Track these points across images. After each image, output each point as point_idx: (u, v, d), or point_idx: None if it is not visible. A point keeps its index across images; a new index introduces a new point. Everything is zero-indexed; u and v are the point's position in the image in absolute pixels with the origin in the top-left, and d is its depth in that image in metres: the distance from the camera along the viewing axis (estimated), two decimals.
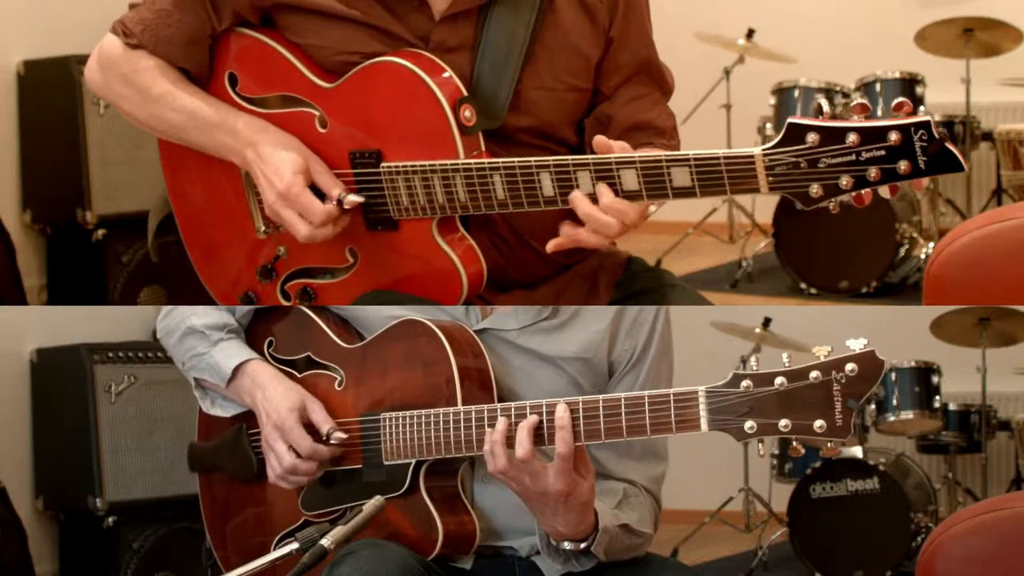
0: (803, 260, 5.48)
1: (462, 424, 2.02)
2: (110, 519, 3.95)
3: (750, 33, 5.76)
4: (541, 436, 1.94)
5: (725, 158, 1.91)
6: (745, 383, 1.84)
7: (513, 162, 2.03)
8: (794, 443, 1.85)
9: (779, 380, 1.82)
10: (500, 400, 2.06)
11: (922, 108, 5.11)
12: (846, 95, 5.54)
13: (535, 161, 2.02)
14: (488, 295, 2.20)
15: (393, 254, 2.15)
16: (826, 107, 1.90)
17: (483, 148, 2.09)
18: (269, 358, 2.22)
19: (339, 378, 2.16)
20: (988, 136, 5.60)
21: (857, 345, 1.80)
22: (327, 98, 2.14)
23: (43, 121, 4.41)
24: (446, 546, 2.05)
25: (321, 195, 2.11)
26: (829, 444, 1.82)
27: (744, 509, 5.44)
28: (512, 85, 2.13)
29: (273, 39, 2.19)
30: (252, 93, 2.20)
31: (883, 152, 1.84)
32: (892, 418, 4.98)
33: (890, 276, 5.45)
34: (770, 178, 1.90)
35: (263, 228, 2.23)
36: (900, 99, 1.85)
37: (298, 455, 2.11)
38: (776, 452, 5.24)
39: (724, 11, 6.29)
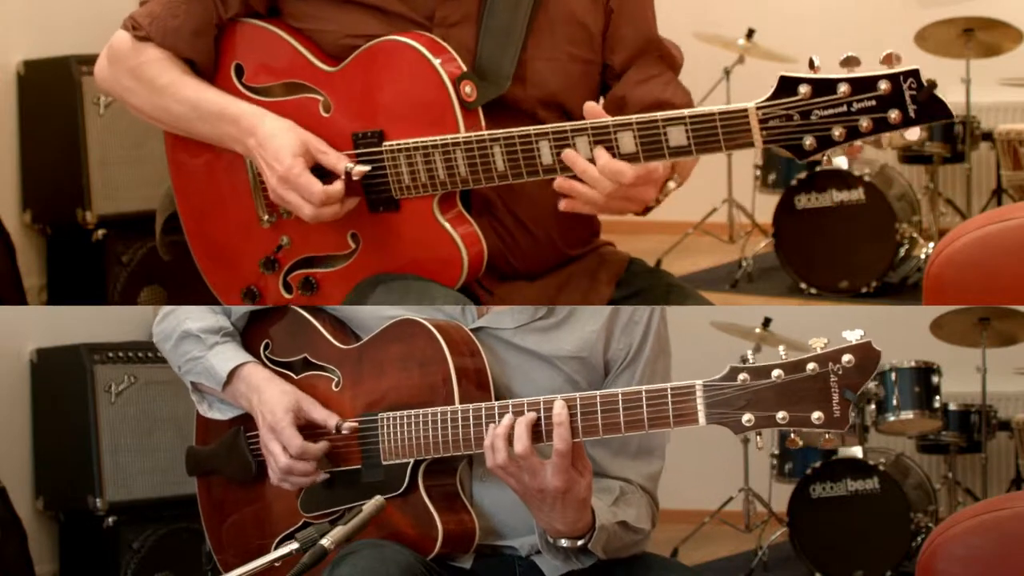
0: (803, 260, 5.48)
1: (460, 422, 2.02)
2: (110, 519, 3.95)
3: (750, 33, 5.76)
4: (539, 433, 1.95)
5: (720, 114, 1.94)
6: (742, 376, 1.84)
7: (512, 132, 2.05)
8: (792, 435, 1.85)
9: (776, 373, 1.83)
10: (497, 399, 2.06)
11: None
12: None
13: (534, 130, 2.05)
14: (489, 284, 2.22)
15: (394, 236, 2.16)
16: (817, 61, 1.91)
17: (483, 125, 2.11)
18: (266, 360, 2.23)
19: (336, 379, 2.16)
20: (988, 136, 5.60)
21: (853, 336, 1.80)
22: (330, 82, 2.17)
23: (43, 121, 4.41)
24: (446, 545, 2.05)
25: (323, 177, 2.13)
26: (827, 435, 1.83)
27: (744, 509, 5.43)
28: (516, 55, 2.16)
29: (278, 27, 2.22)
30: (257, 83, 2.23)
31: (874, 102, 1.87)
32: (892, 418, 4.98)
33: (890, 276, 5.45)
34: (764, 132, 1.92)
35: (266, 217, 2.24)
36: (888, 52, 1.87)
37: (291, 456, 2.12)
38: (776, 452, 5.23)
39: (724, 11, 6.29)
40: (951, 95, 5.60)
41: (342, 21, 2.18)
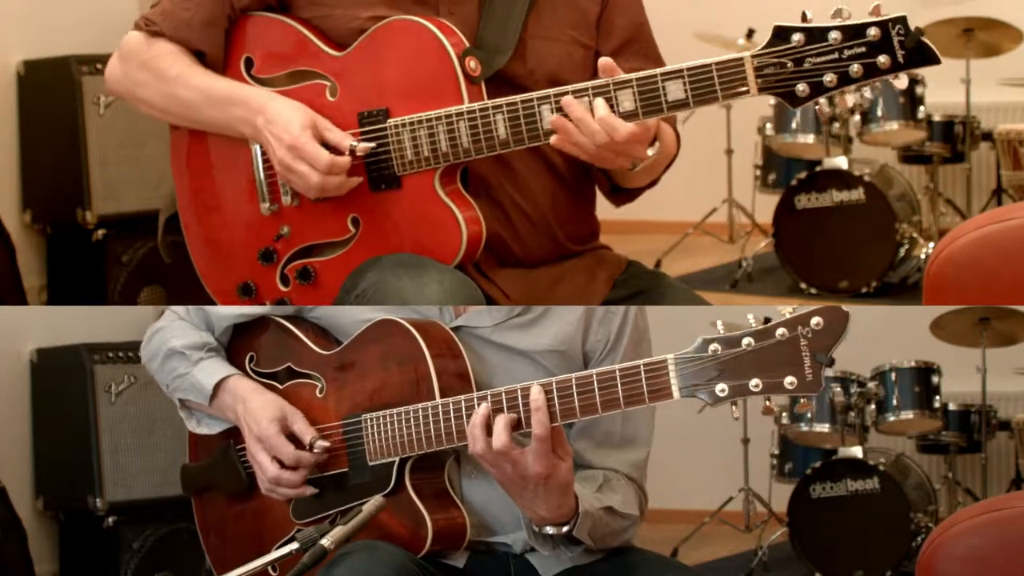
0: (803, 260, 5.48)
1: (441, 416, 2.03)
2: (110, 519, 3.95)
3: (750, 33, 5.76)
4: (518, 421, 1.96)
5: (717, 64, 2.01)
6: (713, 347, 1.85)
7: (515, 99, 2.11)
8: (767, 403, 1.85)
9: (746, 341, 1.84)
10: None
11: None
12: None
13: (536, 95, 2.10)
14: (487, 269, 2.24)
15: (395, 215, 2.19)
16: (810, 14, 1.98)
17: (486, 99, 2.15)
18: (251, 373, 2.24)
19: (320, 385, 2.17)
20: (988, 136, 5.59)
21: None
22: (337, 66, 2.22)
23: (43, 121, 4.41)
24: (436, 542, 2.06)
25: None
26: (802, 399, 1.84)
27: (744, 509, 5.44)
28: (517, 32, 2.21)
29: (286, 17, 2.27)
30: (266, 73, 2.27)
31: (864, 48, 1.95)
32: (892, 418, 4.98)
33: (890, 276, 5.45)
34: (759, 79, 1.99)
35: (268, 204, 2.25)
36: (876, 3, 1.95)
37: (282, 465, 2.13)
38: (776, 452, 5.24)
39: (724, 11, 6.28)
40: (951, 95, 5.60)
41: (349, 5, 2.22)
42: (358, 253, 2.22)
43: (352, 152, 2.17)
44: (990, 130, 5.55)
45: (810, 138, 5.51)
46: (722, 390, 1.85)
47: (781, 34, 1.98)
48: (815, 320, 1.80)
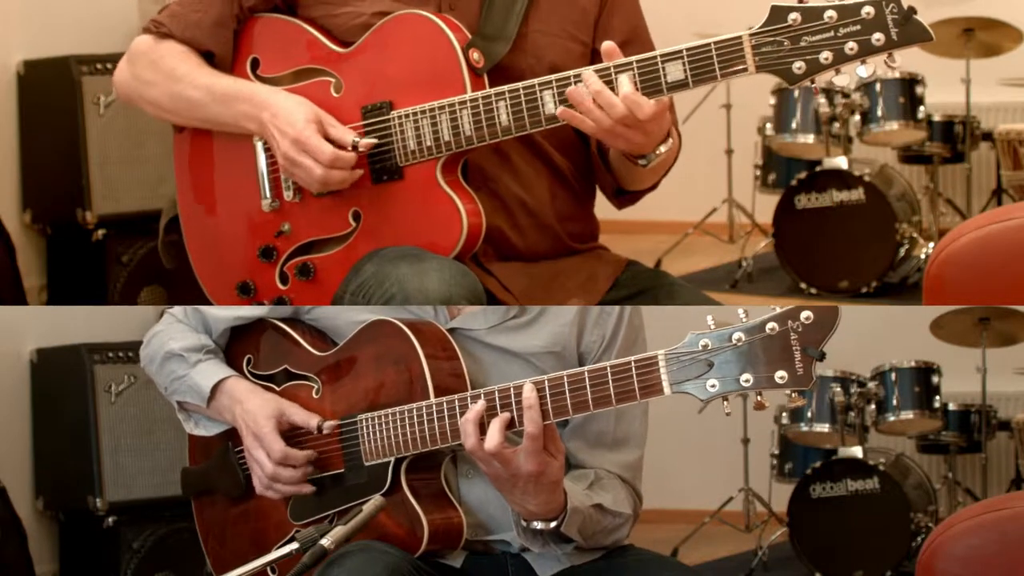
0: (803, 260, 5.48)
1: (435, 416, 2.03)
2: (110, 519, 3.95)
3: None
4: (511, 421, 1.96)
5: (716, 43, 2.06)
6: (703, 342, 1.85)
7: (517, 86, 2.13)
8: (759, 397, 1.85)
9: (736, 336, 1.84)
10: None
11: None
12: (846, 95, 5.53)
13: (538, 81, 2.12)
14: (486, 262, 2.25)
15: (396, 206, 2.21)
16: None
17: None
18: (248, 375, 2.25)
19: (316, 387, 2.18)
20: (988, 136, 5.59)
21: None
22: (342, 62, 2.24)
23: (43, 121, 4.41)
24: (433, 541, 2.06)
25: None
26: (793, 394, 1.83)
27: (744, 509, 5.43)
28: (517, 25, 2.23)
29: (293, 17, 2.29)
30: (272, 72, 2.29)
31: (859, 27, 1.99)
32: (892, 418, 4.98)
33: (890, 276, 5.45)
34: (757, 58, 2.05)
35: (269, 200, 2.26)
36: None
37: (275, 461, 2.14)
38: (776, 452, 5.23)
39: (724, 11, 6.27)
40: (951, 95, 5.60)
41: (353, 2, 2.25)
42: (358, 247, 2.22)
43: (355, 148, 2.18)
44: (990, 130, 5.55)
45: (810, 138, 5.51)
46: (712, 385, 1.85)
47: (778, 13, 2.03)
48: (805, 314, 1.81)
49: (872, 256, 5.40)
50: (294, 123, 2.18)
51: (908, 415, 4.98)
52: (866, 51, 1.99)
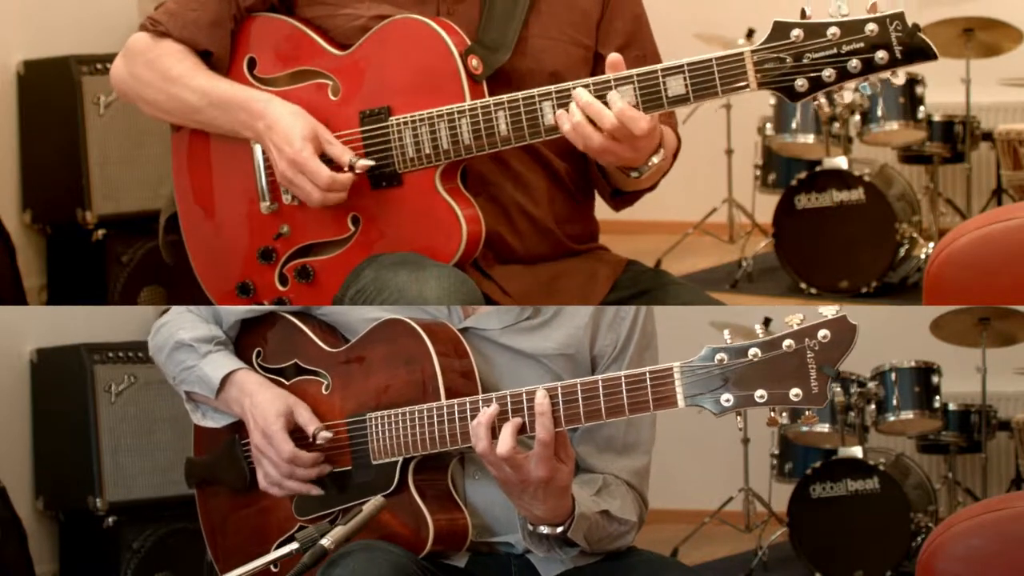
0: (803, 260, 5.48)
1: (445, 418, 2.03)
2: (110, 519, 3.95)
3: (750, 33, 5.75)
4: (523, 425, 1.95)
5: (717, 59, 2.02)
6: (719, 356, 1.84)
7: (516, 95, 2.11)
8: (772, 414, 1.85)
9: (753, 351, 1.83)
10: None
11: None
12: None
13: (537, 92, 2.10)
14: (486, 266, 2.24)
15: (395, 213, 2.20)
16: (809, 11, 2.00)
17: (488, 96, 2.16)
18: (258, 368, 2.24)
19: (326, 382, 2.17)
20: (988, 136, 5.60)
21: (829, 312, 1.81)
22: (339, 65, 2.22)
23: (43, 121, 4.41)
24: (437, 542, 2.06)
25: (329, 164, 2.17)
26: (807, 412, 1.83)
27: (744, 509, 5.44)
28: (517, 30, 2.22)
29: (290, 18, 2.27)
30: (269, 73, 2.28)
31: (862, 44, 1.96)
32: (892, 418, 4.98)
33: (890, 276, 5.45)
34: (758, 74, 2.01)
35: (268, 203, 2.25)
36: (873, 1, 1.96)
37: (283, 462, 2.13)
38: (776, 452, 5.24)
39: (724, 11, 6.28)
40: (951, 95, 5.60)
41: (352, 4, 2.23)
42: (357, 252, 2.22)
43: (351, 168, 2.17)
44: (990, 130, 5.55)
45: (810, 138, 5.51)
46: (727, 400, 1.84)
47: (780, 30, 1.99)
48: (822, 332, 1.79)
49: (872, 256, 5.41)
50: (291, 141, 2.16)
51: (908, 415, 4.98)
52: (869, 69, 1.96)
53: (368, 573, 1.94)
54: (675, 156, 2.31)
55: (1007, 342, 5.03)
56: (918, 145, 5.60)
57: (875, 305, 5.35)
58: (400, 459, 2.07)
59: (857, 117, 5.42)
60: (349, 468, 2.13)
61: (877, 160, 5.63)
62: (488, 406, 1.97)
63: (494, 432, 1.95)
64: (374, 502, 1.92)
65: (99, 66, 4.27)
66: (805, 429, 4.97)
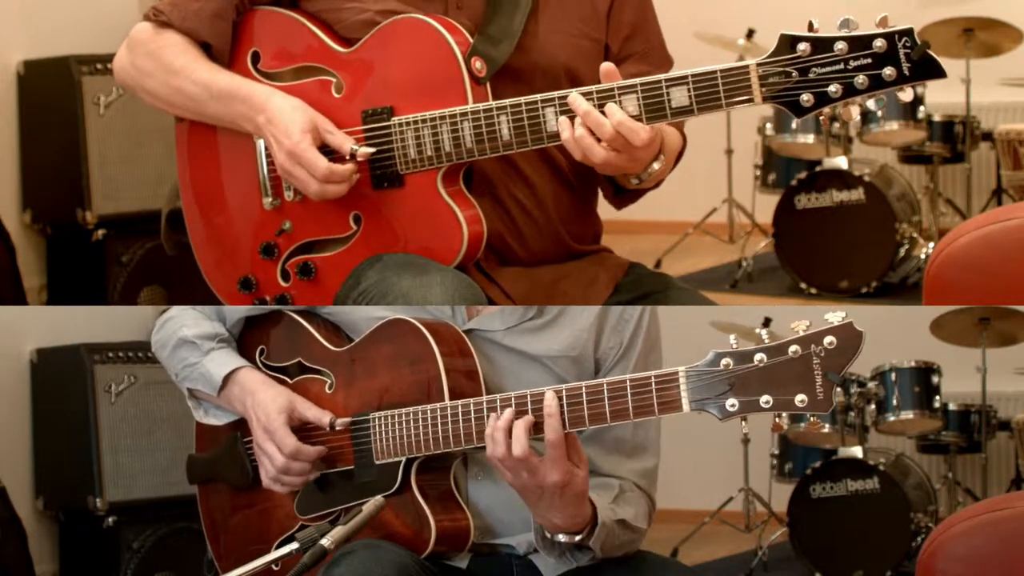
0: (803, 260, 5.48)
1: (449, 419, 2.02)
2: (110, 519, 3.95)
3: (750, 33, 5.76)
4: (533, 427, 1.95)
5: (722, 71, 1.99)
6: (725, 361, 1.84)
7: (519, 100, 2.09)
8: (777, 419, 1.84)
9: (759, 356, 1.83)
10: None
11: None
12: None
13: (540, 97, 2.08)
14: (489, 268, 2.24)
15: (396, 214, 2.19)
16: (816, 24, 1.97)
17: (491, 99, 2.14)
18: (261, 366, 2.24)
19: (329, 381, 2.17)
20: (988, 136, 5.60)
21: (836, 318, 1.80)
22: (344, 62, 2.21)
23: (43, 121, 4.41)
24: (440, 543, 2.06)
25: (330, 157, 2.17)
26: (812, 418, 1.83)
27: (744, 509, 5.43)
28: (523, 21, 2.20)
29: (295, 12, 2.27)
30: (272, 68, 2.27)
31: (869, 60, 1.93)
32: (892, 418, 4.98)
33: (890, 276, 5.45)
34: (763, 88, 1.99)
35: (270, 199, 2.25)
36: (883, 15, 1.93)
37: (285, 456, 2.12)
38: (776, 452, 5.24)
39: (724, 11, 6.29)
40: (951, 95, 5.60)
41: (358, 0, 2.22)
42: (359, 250, 2.22)
43: (352, 156, 2.16)
44: (990, 130, 5.55)
45: (810, 138, 5.51)
46: (732, 405, 1.84)
47: (787, 43, 1.96)
48: (828, 339, 1.79)
49: (872, 256, 5.41)
50: (290, 133, 2.15)
51: (908, 415, 4.98)
52: (877, 85, 1.93)
53: (370, 572, 1.94)
54: (679, 157, 2.31)
55: (1007, 342, 5.03)
56: (918, 145, 5.60)
57: (875, 305, 5.35)
58: (403, 459, 2.07)
59: (857, 118, 5.41)
60: (352, 467, 2.13)
61: (877, 160, 5.63)
62: (504, 409, 1.96)
63: (510, 433, 1.94)
64: (374, 502, 1.92)
65: (99, 66, 4.27)
66: (805, 429, 4.97)
